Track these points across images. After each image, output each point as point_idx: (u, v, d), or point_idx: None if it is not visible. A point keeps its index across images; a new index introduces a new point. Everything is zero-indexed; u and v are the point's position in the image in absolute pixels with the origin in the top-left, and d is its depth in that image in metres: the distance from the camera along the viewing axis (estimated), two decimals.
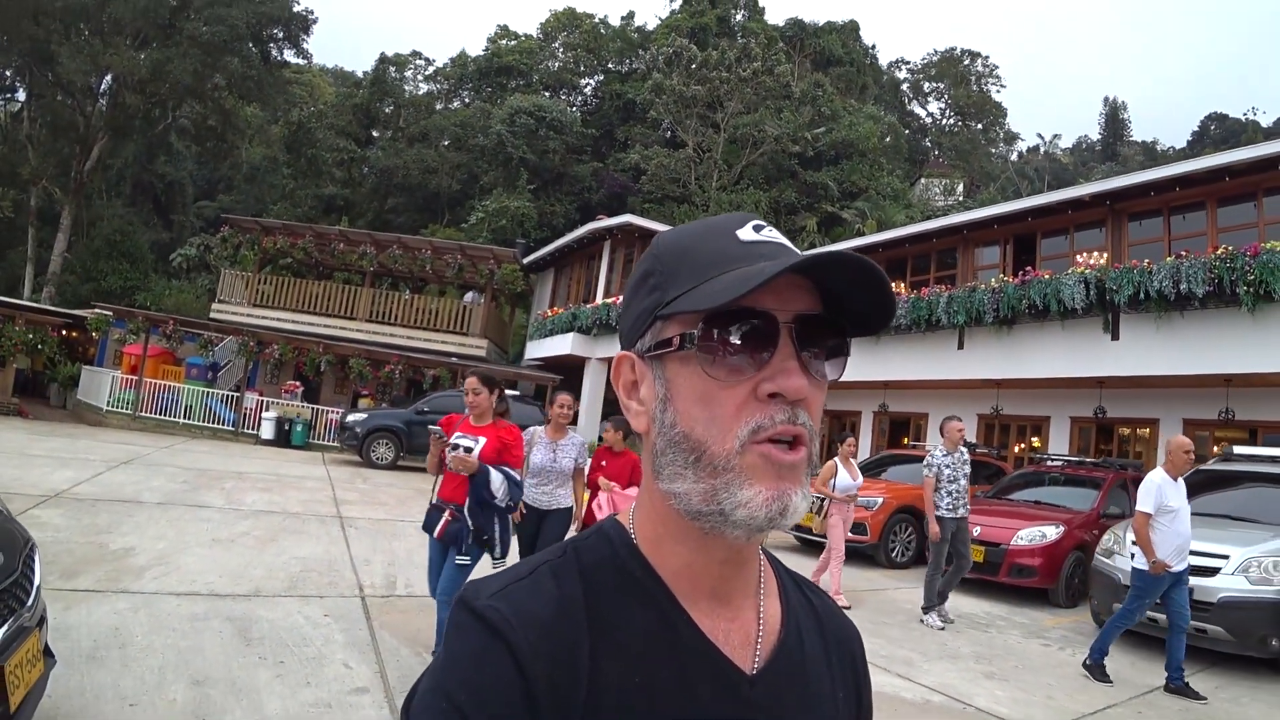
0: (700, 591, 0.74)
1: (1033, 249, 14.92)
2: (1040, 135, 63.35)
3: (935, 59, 63.18)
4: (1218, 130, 70.16)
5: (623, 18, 50.05)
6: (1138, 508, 6.04)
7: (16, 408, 18.97)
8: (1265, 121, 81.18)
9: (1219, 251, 11.06)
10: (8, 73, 34.69)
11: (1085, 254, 13.49)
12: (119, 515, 8.18)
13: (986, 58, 62.58)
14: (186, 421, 19.70)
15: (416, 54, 49.90)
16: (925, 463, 7.99)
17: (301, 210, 38.73)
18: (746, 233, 0.73)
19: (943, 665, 6.46)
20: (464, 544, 4.45)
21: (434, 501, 4.68)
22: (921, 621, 7.87)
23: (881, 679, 5.65)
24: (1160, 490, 5.97)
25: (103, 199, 35.81)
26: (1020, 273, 13.42)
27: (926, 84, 64.04)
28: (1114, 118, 66.88)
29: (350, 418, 17.44)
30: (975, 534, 9.13)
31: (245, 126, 35.15)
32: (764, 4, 49.31)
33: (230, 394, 20.64)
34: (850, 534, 9.22)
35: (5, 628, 2.76)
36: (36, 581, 3.17)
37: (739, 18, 46.78)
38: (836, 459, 8.74)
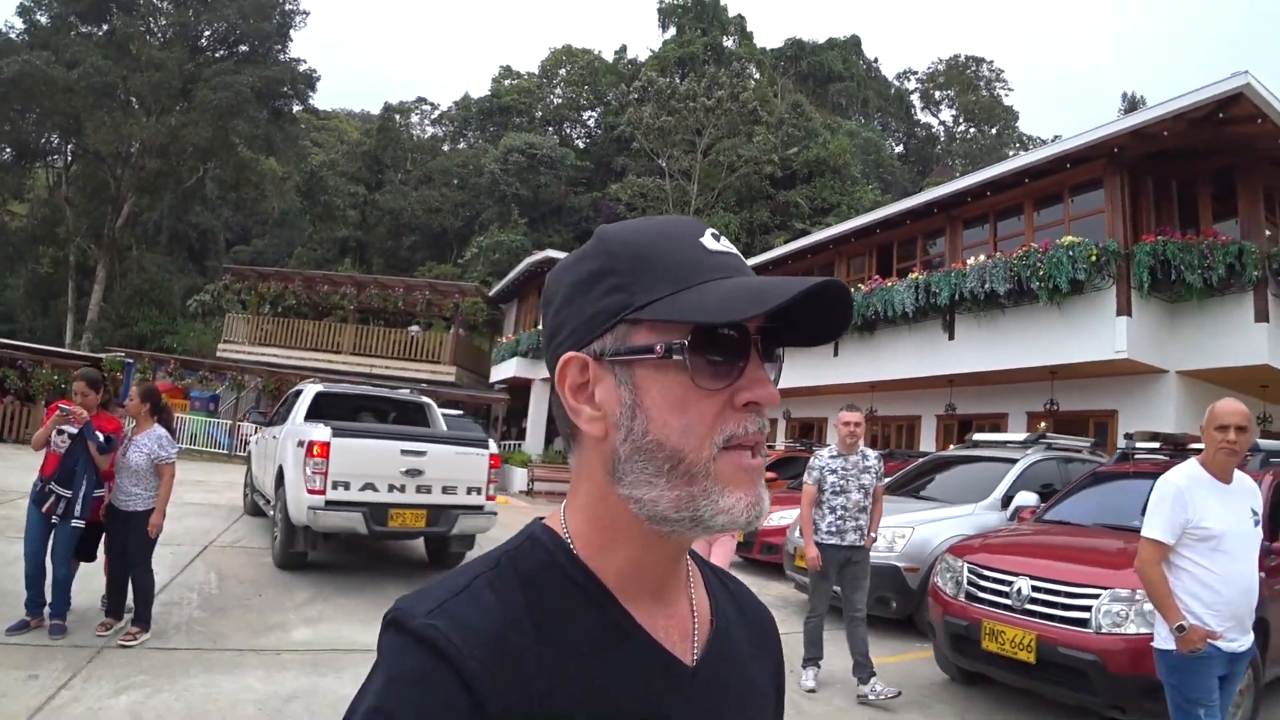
0: (642, 592, 0.75)
1: (904, 257, 15.98)
2: (1041, 138, 62.92)
3: (941, 67, 63.62)
4: None
5: (616, 52, 52.17)
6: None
7: None
8: None
9: (1022, 250, 12.09)
10: (54, 139, 38.04)
11: (924, 260, 14.60)
12: None
13: (991, 62, 63.09)
14: (189, 447, 21.83)
15: (421, 100, 53.21)
16: (808, 465, 5.93)
17: (319, 253, 41.34)
18: (709, 241, 0.73)
19: None
20: (60, 512, 5.39)
21: (44, 484, 5.42)
22: (864, 698, 5.44)
23: None
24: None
25: (136, 251, 38.72)
26: (867, 282, 14.57)
27: (937, 92, 64.50)
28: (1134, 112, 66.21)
29: None
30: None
31: (260, 179, 37.77)
32: (753, 28, 50.82)
33: (225, 422, 22.89)
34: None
35: None
36: None
37: (729, 44, 48.24)
38: None
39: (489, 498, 8.37)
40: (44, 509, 5.35)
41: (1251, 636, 3.44)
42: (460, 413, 20.32)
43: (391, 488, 7.67)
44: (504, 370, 24.78)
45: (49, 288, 38.62)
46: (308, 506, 7.35)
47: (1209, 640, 3.29)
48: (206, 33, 36.69)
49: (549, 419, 22.06)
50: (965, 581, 5.42)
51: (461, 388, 25.04)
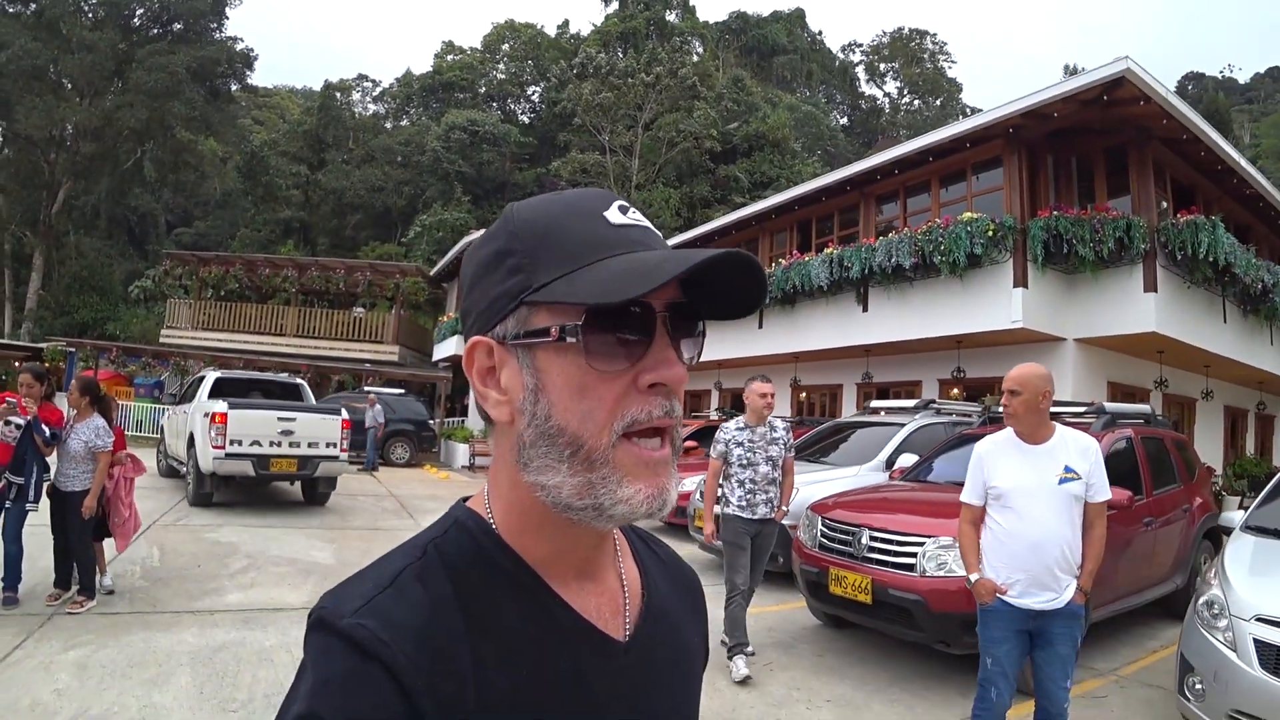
0: (568, 572, 0.75)
1: (822, 232, 16.62)
2: (983, 110, 64.38)
3: (886, 40, 64.36)
4: (1195, 89, 70.34)
5: (559, 27, 52.16)
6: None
7: None
8: (1242, 78, 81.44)
9: (926, 226, 12.75)
10: None
11: (841, 236, 15.33)
12: None
13: (935, 35, 63.90)
14: (135, 434, 21.92)
15: (363, 77, 53.18)
16: (714, 439, 5.84)
17: (263, 234, 41.11)
18: (614, 214, 0.72)
19: None
20: (12, 496, 5.87)
21: None
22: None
23: None
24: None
25: (73, 237, 38.24)
26: (786, 257, 15.26)
27: (881, 65, 65.27)
28: None
29: None
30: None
31: (199, 160, 37.48)
32: (696, 2, 51.00)
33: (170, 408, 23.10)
34: None
35: None
36: None
37: (672, 18, 48.45)
38: None
39: (342, 450, 11.52)
40: None
41: (1063, 595, 3.54)
42: (403, 391, 20.77)
43: (271, 444, 10.82)
44: (446, 348, 25.19)
45: None
46: (212, 458, 10.40)
47: (999, 596, 3.57)
48: (139, 12, 36.09)
49: None
50: (819, 534, 6.07)
51: (405, 366, 25.45)
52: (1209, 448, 15.47)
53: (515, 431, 0.72)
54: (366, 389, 20.07)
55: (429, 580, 0.69)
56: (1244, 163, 13.51)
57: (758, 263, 0.70)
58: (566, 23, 52.93)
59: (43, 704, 4.16)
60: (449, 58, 51.28)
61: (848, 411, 15.93)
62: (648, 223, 0.74)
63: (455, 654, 0.66)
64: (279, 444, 10.90)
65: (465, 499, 0.80)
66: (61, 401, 6.98)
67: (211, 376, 12.42)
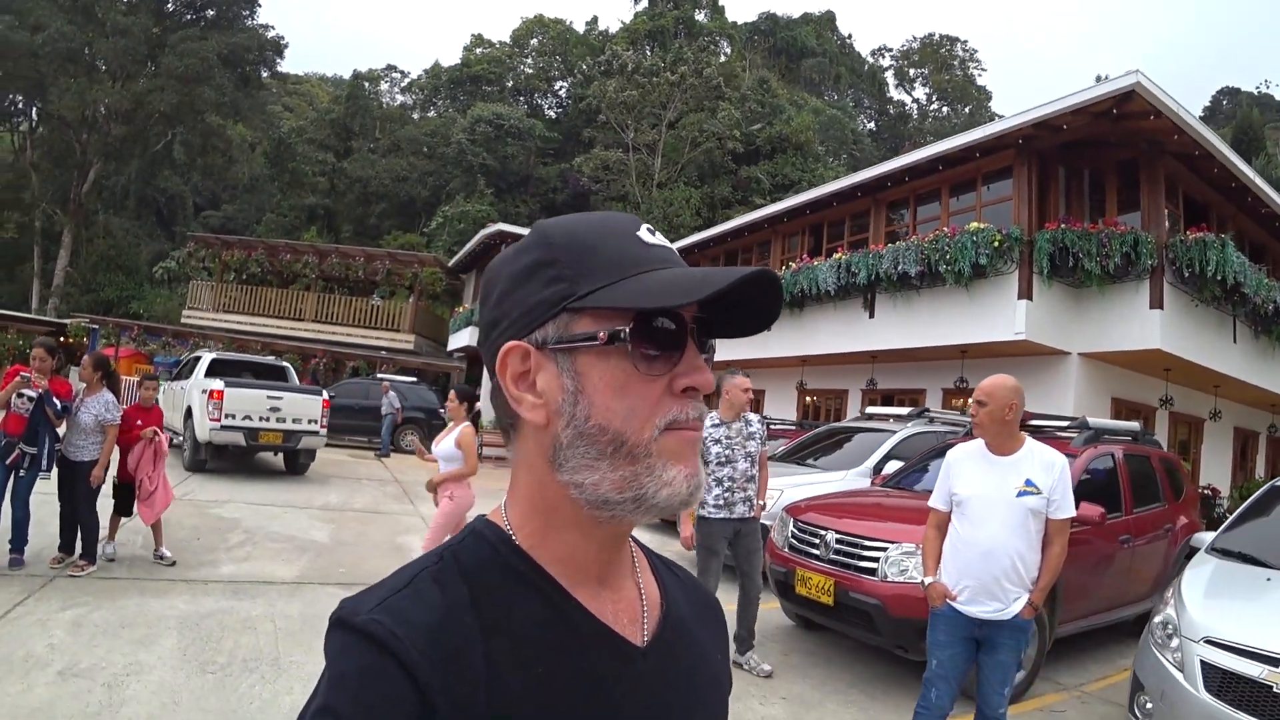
0: (585, 577, 0.77)
1: (834, 237, 16.66)
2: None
3: (915, 45, 64.06)
4: (1230, 104, 69.40)
5: (587, 23, 52.38)
6: None
7: None
8: (1279, 94, 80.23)
9: (934, 235, 12.78)
10: (19, 102, 38.03)
11: (851, 241, 15.40)
12: None
13: (965, 42, 63.52)
14: None
15: (391, 68, 53.72)
16: None
17: (288, 219, 41.62)
18: (645, 235, 0.76)
19: None
20: (25, 465, 6.17)
21: (6, 439, 6.14)
22: (735, 664, 5.35)
23: None
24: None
25: (102, 216, 38.87)
26: (797, 261, 15.36)
27: (911, 70, 64.98)
28: None
29: None
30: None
31: (227, 145, 38.04)
32: (725, 2, 50.96)
33: None
34: None
35: None
36: None
37: (700, 17, 48.52)
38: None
39: (321, 426, 12.87)
40: (8, 461, 6.07)
41: (1010, 607, 3.58)
42: (415, 380, 21.03)
43: (261, 418, 12.21)
44: (460, 339, 25.44)
45: (14, 253, 38.85)
46: (209, 429, 11.74)
47: (948, 600, 3.69)
48: None
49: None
50: (790, 535, 6.15)
51: (420, 355, 25.77)
52: (1216, 469, 15.40)
53: (550, 434, 0.74)
54: (379, 376, 20.35)
55: (445, 583, 0.71)
56: (1259, 180, 13.35)
57: (781, 284, 0.78)
58: (595, 19, 53.01)
59: (35, 656, 4.42)
60: (477, 50, 51.63)
61: (853, 416, 15.98)
62: (670, 244, 0.79)
63: (469, 654, 0.67)
64: (267, 419, 12.28)
65: (483, 515, 0.82)
66: (73, 376, 7.25)
67: (207, 357, 13.72)
